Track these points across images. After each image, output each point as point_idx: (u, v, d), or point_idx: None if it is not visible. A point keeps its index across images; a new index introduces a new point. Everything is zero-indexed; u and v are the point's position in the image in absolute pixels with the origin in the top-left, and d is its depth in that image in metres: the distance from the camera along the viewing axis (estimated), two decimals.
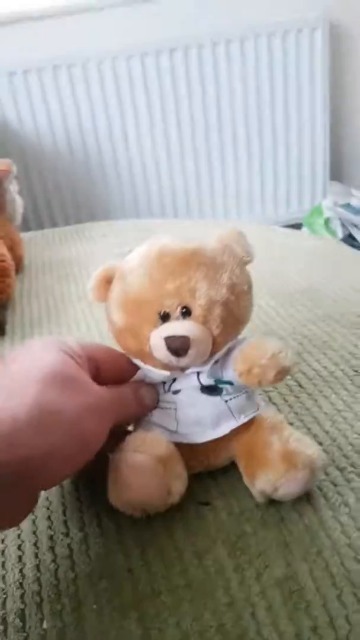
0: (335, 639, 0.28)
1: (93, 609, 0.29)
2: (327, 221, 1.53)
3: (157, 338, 0.34)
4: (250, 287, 0.37)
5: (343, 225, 1.52)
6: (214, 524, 0.34)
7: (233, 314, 0.35)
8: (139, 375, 0.37)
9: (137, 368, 0.37)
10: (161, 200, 1.71)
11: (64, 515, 0.35)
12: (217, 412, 0.36)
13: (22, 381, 0.30)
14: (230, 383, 0.36)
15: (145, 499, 0.33)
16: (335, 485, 0.36)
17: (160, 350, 0.34)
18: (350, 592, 0.30)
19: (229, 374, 0.35)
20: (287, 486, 0.33)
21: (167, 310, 0.34)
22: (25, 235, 0.98)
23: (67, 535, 0.34)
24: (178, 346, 0.33)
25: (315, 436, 0.41)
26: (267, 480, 0.34)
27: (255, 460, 0.35)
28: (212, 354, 0.35)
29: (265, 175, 1.78)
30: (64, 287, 0.72)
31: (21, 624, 0.29)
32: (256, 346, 0.35)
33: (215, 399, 0.36)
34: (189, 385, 0.36)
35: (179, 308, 0.34)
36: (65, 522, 0.35)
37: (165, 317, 0.34)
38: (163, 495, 0.33)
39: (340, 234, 1.50)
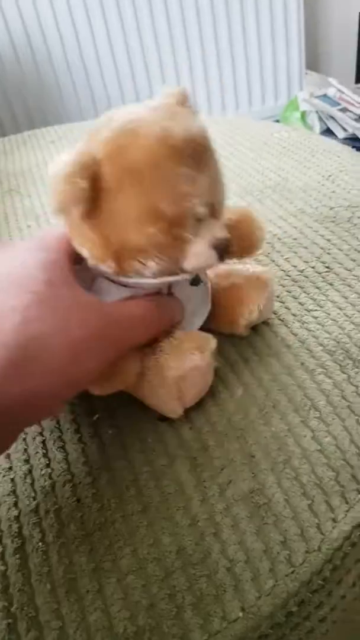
0: (307, 550, 0.26)
1: (38, 547, 0.27)
2: (303, 115, 1.43)
3: (201, 245, 0.29)
4: None
5: (320, 119, 1.42)
6: (172, 440, 0.31)
7: (223, 203, 0.31)
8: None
9: None
10: (123, 100, 1.57)
11: None
12: (202, 298, 0.35)
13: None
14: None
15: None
16: (303, 388, 0.33)
17: (205, 258, 0.29)
18: (323, 501, 0.28)
19: None
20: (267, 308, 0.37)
21: (201, 215, 0.28)
22: None
23: (9, 469, 0.31)
24: (223, 248, 0.29)
25: (282, 339, 0.37)
26: (251, 310, 0.36)
27: (235, 301, 0.36)
28: None
29: (236, 68, 1.63)
30: (8, 203, 0.65)
31: None
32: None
33: (199, 288, 0.35)
34: (180, 282, 0.32)
35: (208, 208, 0.29)
36: (7, 455, 0.32)
37: (199, 220, 0.29)
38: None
39: (317, 128, 1.40)
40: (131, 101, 1.57)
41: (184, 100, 0.30)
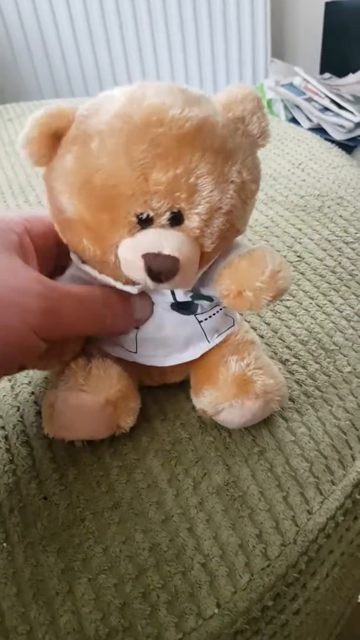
0: (282, 543, 0.26)
1: (3, 547, 0.25)
2: (269, 103, 1.42)
3: (131, 251, 0.24)
4: (258, 185, 0.26)
5: (286, 107, 1.42)
6: (145, 433, 0.30)
7: (235, 225, 0.25)
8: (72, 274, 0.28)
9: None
10: (84, 80, 1.52)
11: None
12: (187, 333, 0.29)
13: None
14: (210, 299, 0.28)
15: (89, 437, 0.29)
16: None
17: (134, 269, 0.24)
18: (298, 493, 0.27)
19: (210, 290, 0.28)
20: (231, 412, 0.28)
21: (151, 214, 0.23)
22: None
23: None
24: (162, 270, 0.23)
25: (255, 329, 0.36)
26: (211, 399, 0.28)
27: (206, 376, 0.29)
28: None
29: (202, 54, 1.61)
30: None
31: None
32: (251, 261, 0.26)
33: (188, 318, 0.29)
34: (158, 300, 0.28)
35: (169, 212, 0.23)
36: None
37: (146, 221, 0.24)
38: (110, 432, 0.28)
39: (283, 117, 1.40)
40: (93, 81, 1.53)
41: (233, 104, 0.25)
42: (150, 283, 0.24)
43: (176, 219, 0.24)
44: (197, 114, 0.23)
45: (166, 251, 0.23)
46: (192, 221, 0.24)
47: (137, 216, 0.23)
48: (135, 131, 0.23)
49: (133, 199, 0.23)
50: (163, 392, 0.32)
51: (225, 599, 0.24)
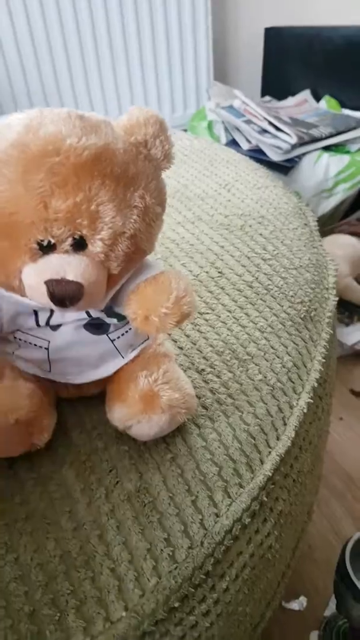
0: (190, 546, 0.27)
1: None
2: (210, 125, 1.47)
3: (34, 277, 0.24)
4: (164, 207, 0.27)
5: (226, 129, 1.47)
6: (62, 444, 0.31)
7: (140, 247, 0.26)
8: None
9: None
10: (30, 103, 1.54)
11: None
12: (100, 351, 0.30)
13: None
14: (122, 317, 0.29)
15: (2, 455, 0.29)
16: (193, 387, 0.34)
17: (38, 294, 0.25)
18: (206, 497, 0.29)
19: (121, 308, 0.29)
20: (140, 427, 0.29)
21: (52, 241, 0.24)
22: None
23: None
24: (65, 295, 0.24)
25: (176, 341, 0.38)
26: (120, 415, 0.29)
27: (117, 392, 0.30)
28: (106, 292, 0.27)
29: (146, 77, 1.65)
30: None
31: None
32: (156, 287, 0.27)
33: (100, 337, 0.29)
34: (72, 318, 0.28)
35: (70, 239, 0.24)
36: None
37: (48, 248, 0.24)
38: (24, 449, 0.29)
39: (223, 138, 1.44)
40: (40, 104, 1.54)
41: (132, 127, 0.26)
42: (55, 308, 0.25)
43: (79, 245, 0.24)
44: (96, 142, 0.24)
45: (69, 277, 0.24)
46: (96, 246, 0.24)
47: (38, 243, 0.24)
48: (32, 160, 0.23)
49: (33, 226, 0.23)
50: (82, 403, 0.33)
51: (133, 602, 0.25)
